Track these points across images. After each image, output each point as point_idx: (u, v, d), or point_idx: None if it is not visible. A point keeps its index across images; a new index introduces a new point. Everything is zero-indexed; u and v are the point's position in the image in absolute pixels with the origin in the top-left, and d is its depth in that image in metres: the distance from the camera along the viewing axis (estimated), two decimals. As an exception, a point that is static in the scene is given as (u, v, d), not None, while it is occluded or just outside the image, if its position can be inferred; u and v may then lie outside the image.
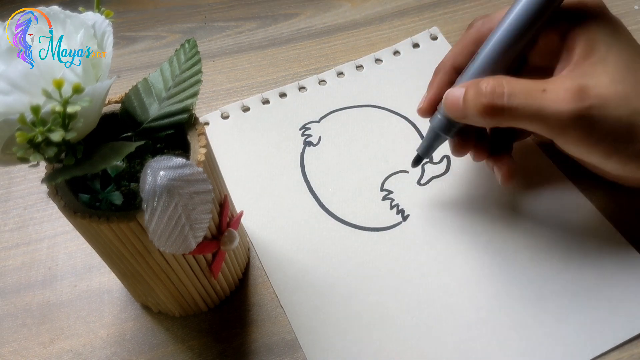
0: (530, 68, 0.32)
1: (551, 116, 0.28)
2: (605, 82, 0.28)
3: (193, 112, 0.25)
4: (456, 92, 0.30)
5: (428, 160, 0.38)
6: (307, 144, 0.40)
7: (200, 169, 0.22)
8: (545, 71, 0.31)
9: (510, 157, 0.34)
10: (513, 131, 0.34)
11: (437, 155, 0.39)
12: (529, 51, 0.31)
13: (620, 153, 0.29)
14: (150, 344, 0.32)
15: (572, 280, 0.32)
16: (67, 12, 0.22)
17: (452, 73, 0.33)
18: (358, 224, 0.36)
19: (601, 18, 0.30)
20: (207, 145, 0.25)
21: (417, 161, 0.35)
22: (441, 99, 0.32)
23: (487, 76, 0.30)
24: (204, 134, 0.25)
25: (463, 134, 0.33)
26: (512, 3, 0.30)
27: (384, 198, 0.37)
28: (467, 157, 0.38)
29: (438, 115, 0.32)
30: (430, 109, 0.33)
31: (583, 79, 0.28)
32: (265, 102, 0.43)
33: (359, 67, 0.45)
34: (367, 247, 0.35)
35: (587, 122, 0.28)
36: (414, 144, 0.40)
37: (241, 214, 0.31)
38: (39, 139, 0.19)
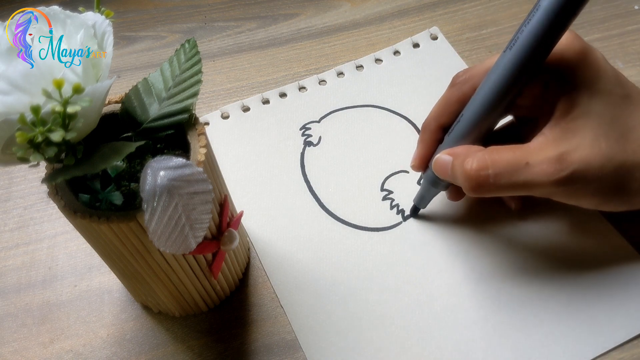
0: (518, 106, 0.32)
1: (536, 187, 0.28)
2: (586, 141, 0.28)
3: (193, 112, 0.25)
4: (444, 159, 0.31)
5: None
6: (307, 144, 0.40)
7: (200, 169, 0.22)
8: (532, 110, 0.31)
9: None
10: None
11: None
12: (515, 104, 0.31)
13: (610, 202, 0.30)
14: (150, 344, 0.32)
15: (572, 280, 0.32)
16: (67, 12, 0.22)
17: (438, 131, 0.33)
18: (358, 224, 0.36)
19: (582, 67, 0.29)
20: (207, 145, 0.25)
21: (414, 211, 0.36)
22: (430, 155, 0.33)
23: (472, 142, 0.31)
24: (204, 134, 0.25)
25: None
26: (493, 65, 0.29)
27: (384, 198, 0.37)
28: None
29: (429, 172, 0.33)
30: (422, 165, 0.34)
31: (564, 142, 0.28)
32: (266, 102, 0.43)
33: (359, 67, 0.45)
34: (367, 247, 0.35)
35: (571, 185, 0.28)
36: (414, 144, 0.40)
37: (241, 214, 0.31)
38: (39, 139, 0.19)
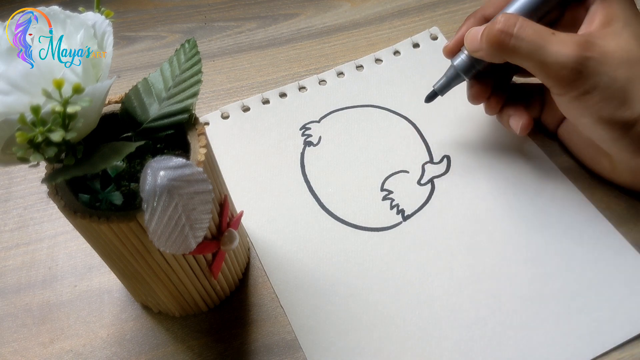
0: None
1: (552, 56, 0.30)
2: (612, 45, 0.30)
3: (193, 112, 0.25)
4: (478, 29, 0.33)
5: (428, 160, 0.38)
6: (307, 144, 0.40)
7: (200, 169, 0.22)
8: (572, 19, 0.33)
9: (525, 110, 0.36)
10: (527, 90, 0.36)
11: (437, 155, 0.39)
12: (556, 25, 0.33)
13: (609, 117, 0.30)
14: (150, 344, 0.32)
15: (573, 280, 0.32)
16: (67, 12, 0.22)
17: (481, 20, 0.35)
18: (358, 224, 0.36)
19: None
20: (207, 145, 0.25)
21: (431, 97, 0.37)
22: None
23: None
24: (204, 134, 0.25)
25: (481, 80, 0.35)
26: None
27: (384, 198, 0.37)
28: (466, 157, 0.38)
29: (461, 55, 0.35)
30: (455, 49, 0.36)
31: (592, 36, 0.30)
32: (266, 102, 0.43)
33: (359, 67, 0.45)
34: (367, 247, 0.35)
35: (583, 71, 0.29)
36: (414, 144, 0.40)
37: (241, 214, 0.31)
38: (39, 139, 0.19)
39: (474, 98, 0.36)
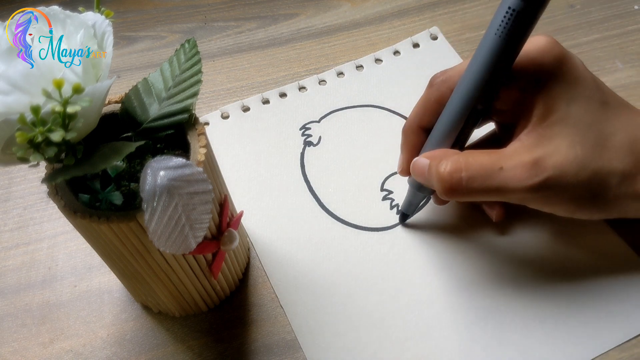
0: (498, 112, 0.32)
1: (509, 193, 0.28)
2: (562, 147, 0.28)
3: (193, 112, 0.25)
4: (422, 162, 0.31)
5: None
6: (307, 144, 0.40)
7: (200, 169, 0.22)
8: (512, 116, 0.31)
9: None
10: None
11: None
12: (493, 102, 0.31)
13: (584, 210, 0.29)
14: (150, 344, 0.32)
15: (573, 280, 0.32)
16: (67, 12, 0.22)
17: (419, 133, 0.33)
18: (358, 224, 0.36)
19: (560, 73, 0.29)
20: (207, 145, 0.25)
21: (402, 218, 0.36)
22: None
23: (450, 145, 0.31)
24: (204, 134, 0.25)
25: None
26: (466, 69, 0.29)
27: (384, 198, 0.37)
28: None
29: (412, 177, 0.33)
30: (408, 170, 0.33)
31: (539, 148, 0.28)
32: (265, 102, 0.43)
33: (359, 67, 0.45)
34: (367, 247, 0.35)
35: (545, 192, 0.28)
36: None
37: (241, 214, 0.31)
38: (39, 139, 0.19)
39: (439, 203, 0.35)
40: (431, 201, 0.36)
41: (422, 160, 0.31)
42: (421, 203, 0.35)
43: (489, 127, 0.35)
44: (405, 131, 0.34)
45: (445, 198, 0.30)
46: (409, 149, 0.34)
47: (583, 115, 0.28)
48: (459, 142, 0.31)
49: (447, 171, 0.29)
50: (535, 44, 0.29)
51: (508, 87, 0.30)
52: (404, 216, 0.36)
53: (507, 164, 0.28)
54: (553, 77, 0.29)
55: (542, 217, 0.35)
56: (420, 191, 0.33)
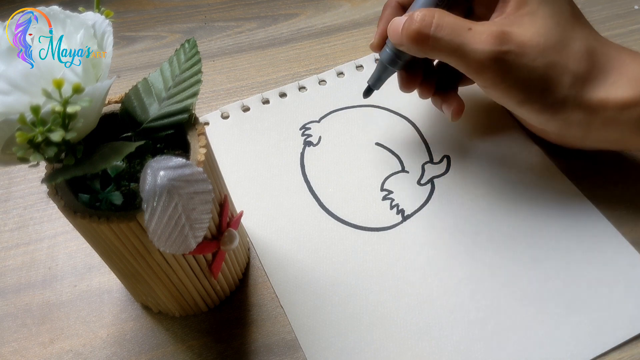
0: (476, 18, 0.34)
1: (470, 53, 0.30)
2: (529, 32, 0.30)
3: (193, 112, 0.25)
4: (398, 20, 0.32)
5: (428, 160, 0.38)
6: (307, 144, 0.40)
7: (200, 169, 0.22)
8: (489, 5, 0.33)
9: (456, 95, 0.36)
10: (457, 72, 0.36)
11: (437, 155, 0.39)
12: (472, 1, 0.33)
13: (532, 102, 0.31)
14: (150, 344, 0.32)
15: (573, 280, 0.32)
16: (67, 12, 0.22)
17: (398, 9, 0.35)
18: (358, 224, 0.36)
19: None
20: (207, 145, 0.25)
21: (367, 92, 0.37)
22: None
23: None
24: (204, 134, 0.25)
25: (410, 69, 0.36)
26: None
27: (384, 198, 0.37)
28: (466, 157, 0.38)
29: (386, 49, 0.35)
30: (380, 43, 0.36)
31: (509, 27, 0.30)
32: (265, 102, 0.43)
33: (359, 67, 0.45)
34: (367, 247, 0.35)
35: (502, 65, 0.30)
36: (414, 144, 0.40)
37: (241, 214, 0.31)
38: (39, 139, 0.19)
39: (404, 87, 0.37)
40: (431, 204, 0.36)
41: (399, 18, 0.33)
42: (388, 78, 0.37)
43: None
44: (385, 6, 0.36)
45: (410, 44, 0.32)
46: (386, 21, 0.35)
47: (553, 15, 0.31)
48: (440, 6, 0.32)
49: (419, 17, 0.31)
50: None
51: None
52: (369, 90, 0.37)
53: (476, 27, 0.30)
54: None
55: (542, 217, 0.35)
56: (391, 65, 0.35)
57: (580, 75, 0.30)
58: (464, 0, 0.34)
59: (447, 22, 0.30)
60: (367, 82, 0.37)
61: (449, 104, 0.36)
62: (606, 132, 0.32)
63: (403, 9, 0.35)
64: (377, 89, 0.37)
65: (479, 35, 0.30)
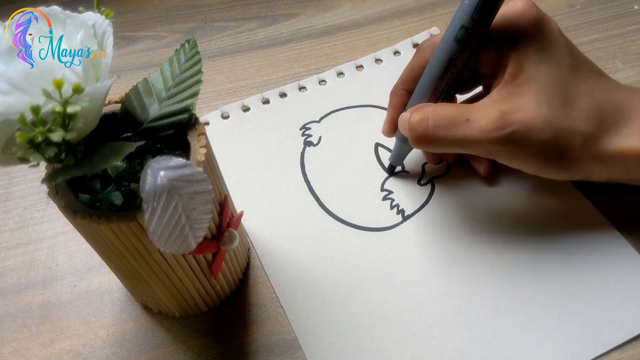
0: (484, 75, 0.33)
1: (476, 143, 0.30)
2: (530, 104, 0.29)
3: (193, 112, 0.25)
4: (403, 115, 0.33)
5: (401, 169, 0.38)
6: (307, 144, 0.40)
7: (200, 169, 0.22)
8: (493, 78, 0.32)
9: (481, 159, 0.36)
10: None
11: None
12: (477, 64, 0.33)
13: (549, 168, 0.31)
14: (150, 344, 0.32)
15: (572, 280, 0.32)
16: (67, 12, 0.22)
17: (404, 95, 0.35)
18: (358, 224, 0.36)
19: (534, 35, 0.30)
20: (207, 145, 0.25)
21: (392, 170, 0.38)
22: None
23: (427, 101, 0.32)
24: (204, 134, 0.25)
25: None
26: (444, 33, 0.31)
27: (384, 198, 0.37)
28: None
29: (399, 131, 0.35)
30: (391, 129, 0.36)
31: (507, 103, 0.30)
32: (265, 102, 0.43)
33: (359, 67, 0.45)
34: (367, 247, 0.35)
35: (511, 146, 0.29)
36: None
37: (241, 214, 0.31)
38: (39, 139, 0.19)
39: (429, 160, 0.37)
40: (431, 204, 0.36)
41: (404, 113, 0.33)
42: (407, 155, 0.37)
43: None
44: (391, 93, 0.36)
45: (416, 146, 0.32)
46: (394, 109, 0.35)
47: (552, 76, 0.30)
48: (439, 98, 0.32)
49: (416, 120, 0.31)
50: (512, 6, 0.31)
51: (487, 49, 0.31)
52: (392, 168, 0.38)
53: (473, 115, 0.30)
54: (526, 38, 0.30)
55: (542, 218, 0.35)
56: (406, 144, 0.35)
57: (590, 134, 0.29)
58: (468, 70, 0.33)
59: (443, 119, 0.30)
60: (389, 159, 0.38)
61: (478, 161, 0.36)
62: (629, 175, 0.31)
63: (409, 93, 0.34)
64: (399, 164, 0.38)
65: (479, 123, 0.29)
